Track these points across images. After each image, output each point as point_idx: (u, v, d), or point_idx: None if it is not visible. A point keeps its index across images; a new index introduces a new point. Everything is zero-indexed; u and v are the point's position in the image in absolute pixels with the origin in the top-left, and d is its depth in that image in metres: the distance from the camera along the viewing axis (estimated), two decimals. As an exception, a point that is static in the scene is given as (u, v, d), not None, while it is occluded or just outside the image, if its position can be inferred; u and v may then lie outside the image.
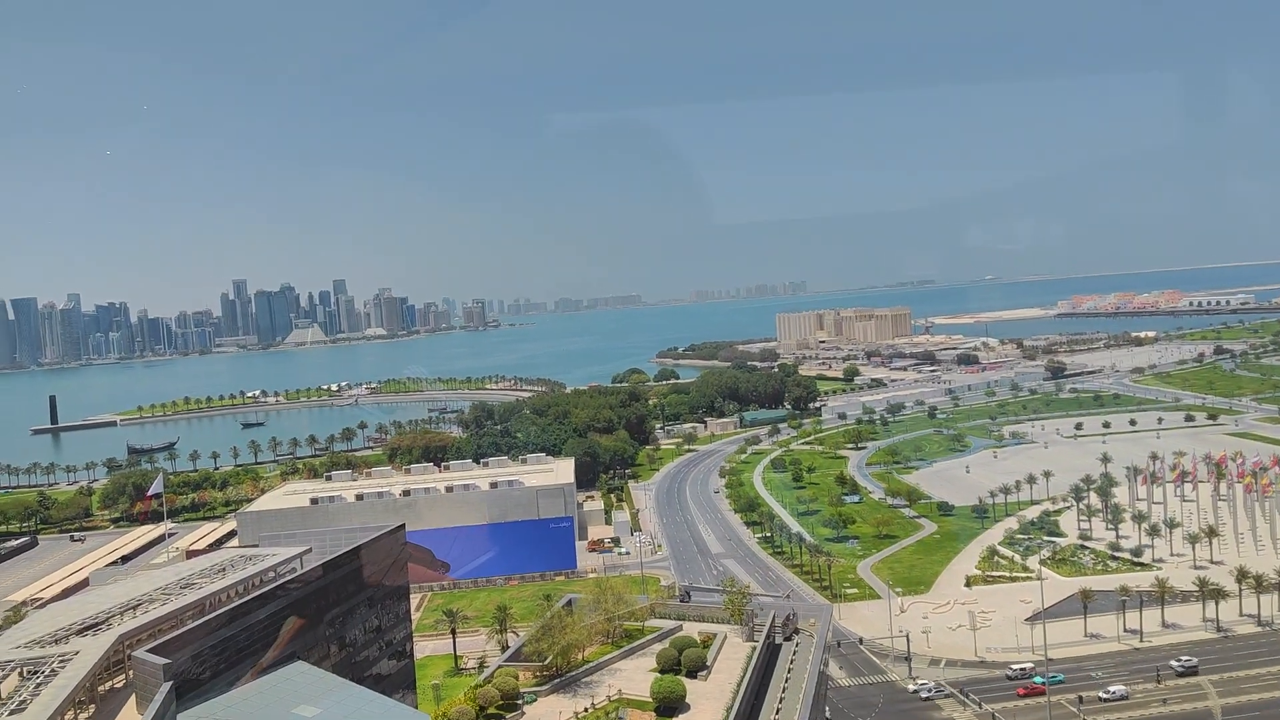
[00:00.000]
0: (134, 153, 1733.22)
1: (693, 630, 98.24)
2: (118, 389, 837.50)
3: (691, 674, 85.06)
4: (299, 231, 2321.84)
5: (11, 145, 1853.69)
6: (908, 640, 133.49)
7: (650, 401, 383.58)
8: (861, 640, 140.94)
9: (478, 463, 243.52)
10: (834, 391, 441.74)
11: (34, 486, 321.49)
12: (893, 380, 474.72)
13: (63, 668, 63.32)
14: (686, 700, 79.28)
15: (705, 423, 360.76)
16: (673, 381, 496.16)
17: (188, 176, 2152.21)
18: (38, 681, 61.38)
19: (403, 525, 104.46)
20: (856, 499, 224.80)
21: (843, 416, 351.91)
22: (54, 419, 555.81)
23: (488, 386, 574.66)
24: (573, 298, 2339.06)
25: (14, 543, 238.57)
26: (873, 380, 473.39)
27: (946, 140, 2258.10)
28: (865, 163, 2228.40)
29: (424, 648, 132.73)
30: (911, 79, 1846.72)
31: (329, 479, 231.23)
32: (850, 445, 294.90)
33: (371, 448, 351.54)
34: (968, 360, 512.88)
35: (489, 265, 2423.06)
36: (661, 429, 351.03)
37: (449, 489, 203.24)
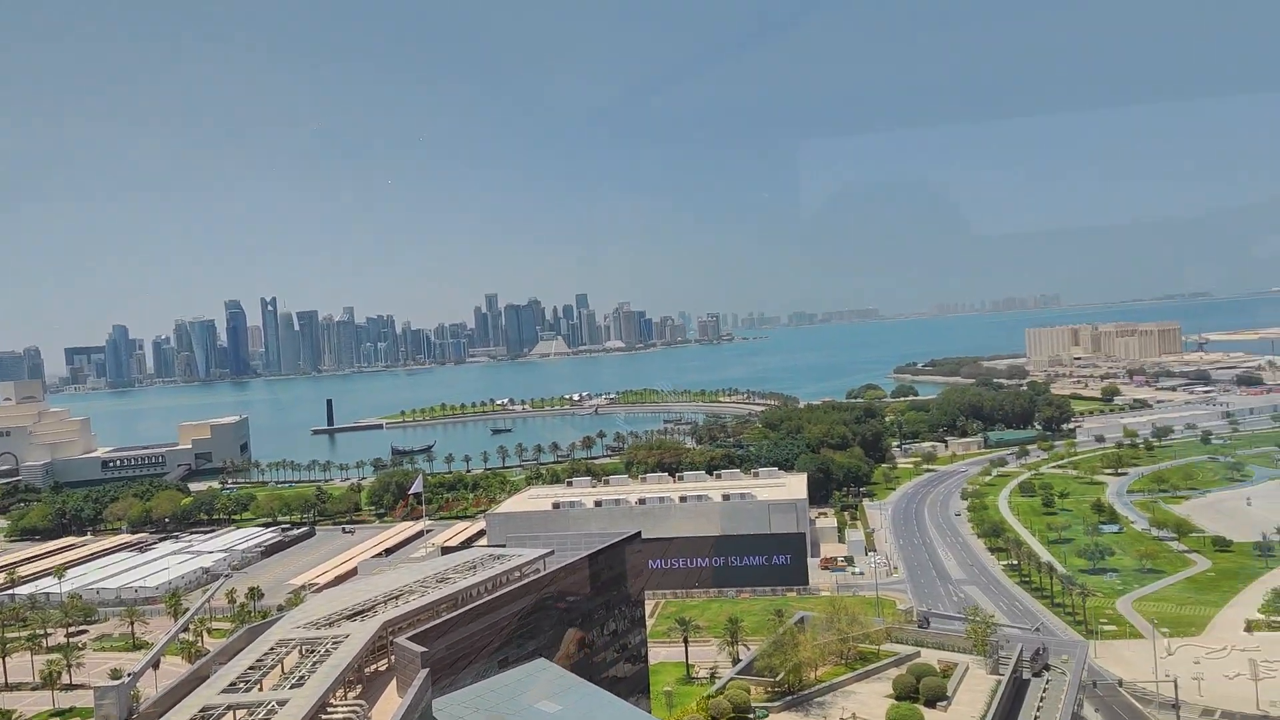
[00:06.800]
0: (409, 180, 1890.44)
1: (931, 658, 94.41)
2: (384, 395, 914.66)
3: (930, 703, 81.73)
4: (545, 249, 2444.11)
5: (301, 173, 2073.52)
6: (1175, 686, 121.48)
7: (887, 418, 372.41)
8: (1121, 682, 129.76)
9: (710, 474, 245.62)
10: (1091, 412, 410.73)
11: (313, 481, 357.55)
12: (1159, 401, 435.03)
13: (335, 649, 69.43)
14: (925, 730, 76.29)
15: (946, 442, 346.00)
16: (911, 398, 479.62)
17: (454, 199, 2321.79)
18: (315, 660, 67.71)
19: (639, 532, 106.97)
20: (1116, 529, 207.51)
21: (1100, 439, 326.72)
22: (330, 421, 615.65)
23: (721, 399, 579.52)
24: (807, 311, 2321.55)
25: (296, 532, 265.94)
26: (1135, 401, 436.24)
27: (1230, 144, 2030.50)
28: (1128, 172, 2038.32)
29: (657, 653, 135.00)
30: (1178, 90, 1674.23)
31: (570, 485, 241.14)
32: (1109, 470, 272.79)
33: (609, 456, 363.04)
34: (1249, 381, 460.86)
35: (724, 280, 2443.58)
36: (899, 447, 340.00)
37: (683, 499, 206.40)
